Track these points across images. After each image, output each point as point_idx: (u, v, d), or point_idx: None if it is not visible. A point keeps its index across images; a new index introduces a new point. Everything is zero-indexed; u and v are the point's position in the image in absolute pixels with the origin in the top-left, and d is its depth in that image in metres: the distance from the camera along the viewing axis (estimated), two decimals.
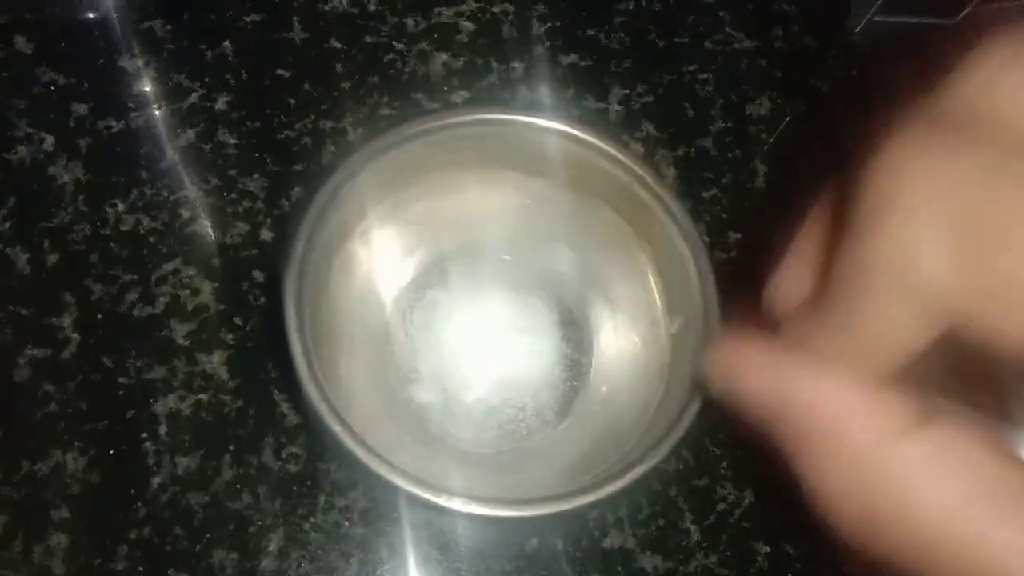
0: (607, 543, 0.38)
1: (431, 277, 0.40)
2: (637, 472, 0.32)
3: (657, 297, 0.38)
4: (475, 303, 0.40)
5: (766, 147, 0.46)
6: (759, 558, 0.39)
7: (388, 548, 0.37)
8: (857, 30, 0.47)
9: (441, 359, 0.39)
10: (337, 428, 0.32)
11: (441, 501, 0.31)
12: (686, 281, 0.35)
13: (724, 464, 0.40)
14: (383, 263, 0.39)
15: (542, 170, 0.38)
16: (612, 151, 0.36)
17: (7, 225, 0.40)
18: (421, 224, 0.38)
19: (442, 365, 0.39)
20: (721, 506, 0.39)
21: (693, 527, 0.39)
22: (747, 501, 0.39)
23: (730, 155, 0.45)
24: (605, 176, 0.36)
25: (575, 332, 0.39)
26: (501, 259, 0.40)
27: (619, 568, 0.38)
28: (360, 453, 0.31)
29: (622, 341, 0.39)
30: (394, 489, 0.32)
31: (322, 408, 0.32)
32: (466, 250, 0.40)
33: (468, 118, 0.36)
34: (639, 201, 0.36)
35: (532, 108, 0.44)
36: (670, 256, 0.36)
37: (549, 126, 0.36)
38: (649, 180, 0.35)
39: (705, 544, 0.38)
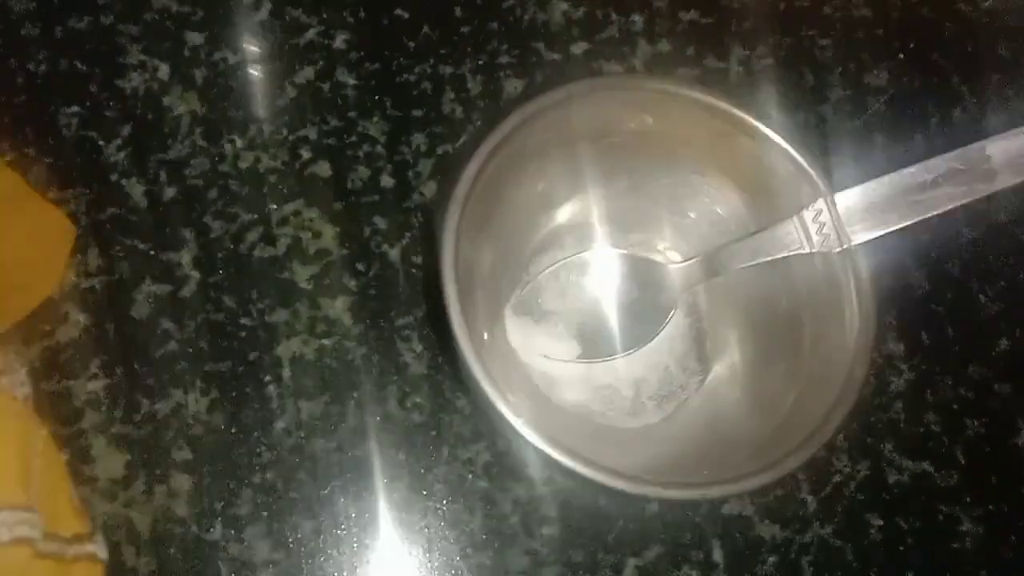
0: (726, 510, 0.38)
1: (582, 233, 0.39)
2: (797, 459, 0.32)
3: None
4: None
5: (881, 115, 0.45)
6: (872, 531, 0.39)
7: (512, 503, 0.36)
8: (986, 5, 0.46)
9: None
10: (484, 380, 0.31)
11: (580, 468, 0.31)
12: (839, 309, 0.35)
13: (841, 436, 0.40)
14: (539, 208, 0.38)
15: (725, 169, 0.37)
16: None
17: (121, 155, 0.39)
18: (589, 177, 0.37)
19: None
20: (837, 478, 0.39)
21: (810, 498, 0.39)
22: (862, 474, 0.39)
23: (849, 124, 0.45)
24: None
25: (709, 325, 0.39)
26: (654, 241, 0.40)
27: (737, 535, 0.38)
28: (501, 406, 0.31)
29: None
30: (526, 445, 0.31)
31: (471, 358, 0.31)
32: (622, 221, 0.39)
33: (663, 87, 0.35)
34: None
35: (655, 64, 0.43)
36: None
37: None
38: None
39: (821, 515, 0.38)
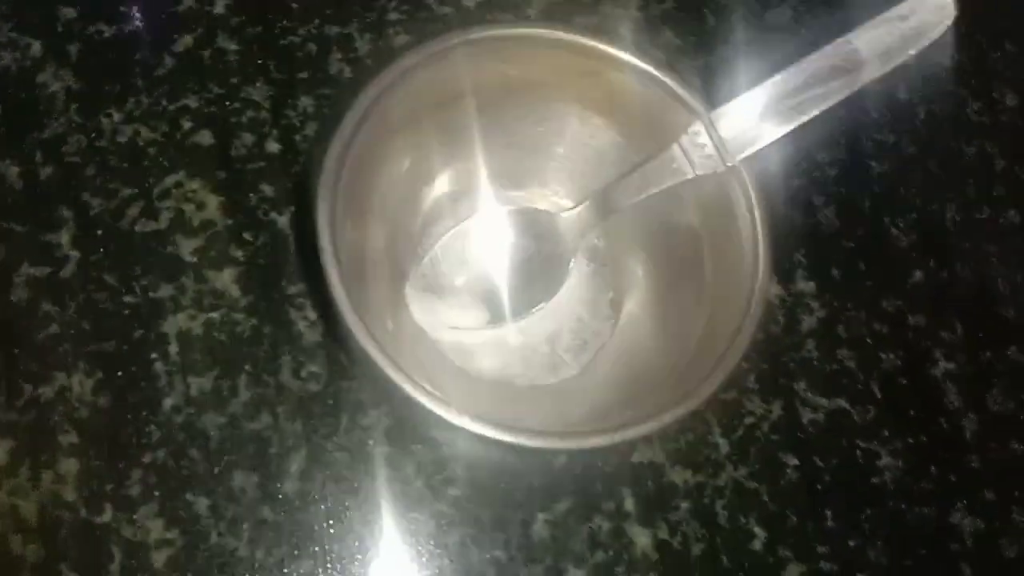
0: (636, 458, 0.37)
1: (467, 198, 0.38)
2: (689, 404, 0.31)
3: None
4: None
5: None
6: (788, 471, 0.38)
7: (416, 466, 0.35)
8: None
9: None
10: (370, 345, 0.30)
11: (474, 426, 0.30)
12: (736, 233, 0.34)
13: (752, 378, 0.39)
14: (419, 179, 0.37)
15: (599, 105, 0.36)
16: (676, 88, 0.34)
17: None
18: (463, 141, 0.36)
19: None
20: (749, 419, 0.38)
21: (722, 441, 0.38)
22: (775, 414, 0.39)
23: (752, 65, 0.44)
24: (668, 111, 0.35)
25: (611, 266, 0.39)
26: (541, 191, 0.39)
27: (649, 483, 0.37)
28: (391, 371, 0.30)
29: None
30: (423, 409, 0.31)
31: (354, 324, 0.30)
32: (504, 178, 0.39)
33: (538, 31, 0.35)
34: None
35: (551, 15, 0.43)
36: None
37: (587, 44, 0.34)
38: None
39: (734, 457, 0.38)
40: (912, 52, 0.33)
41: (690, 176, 0.34)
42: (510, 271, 0.38)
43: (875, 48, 0.33)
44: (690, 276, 0.35)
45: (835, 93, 0.33)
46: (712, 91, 0.40)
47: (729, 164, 0.33)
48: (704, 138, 0.33)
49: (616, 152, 0.36)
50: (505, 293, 0.38)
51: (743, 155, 0.33)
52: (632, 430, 0.31)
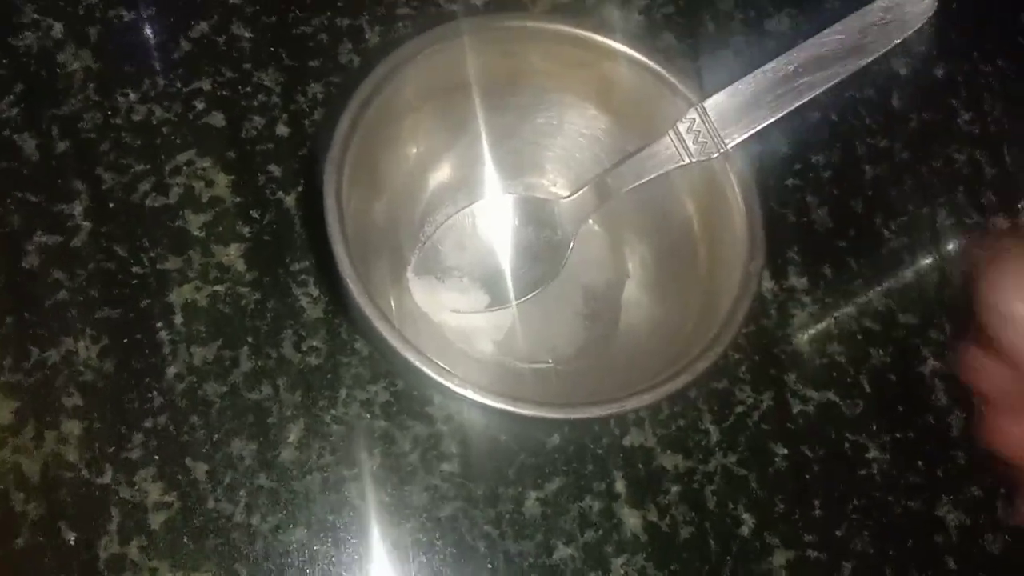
0: (628, 441, 0.38)
1: (467, 185, 0.39)
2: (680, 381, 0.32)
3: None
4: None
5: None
6: (777, 459, 0.39)
7: (412, 441, 0.36)
8: None
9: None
10: (372, 313, 0.31)
11: (470, 394, 0.31)
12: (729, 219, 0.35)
13: (743, 368, 0.40)
14: (421, 165, 0.38)
15: (596, 94, 0.37)
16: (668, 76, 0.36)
17: (14, 111, 0.38)
18: (464, 129, 0.37)
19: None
20: (740, 408, 0.39)
21: (712, 428, 0.39)
22: (765, 404, 0.39)
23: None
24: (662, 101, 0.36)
25: (610, 251, 0.39)
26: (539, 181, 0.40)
27: (640, 466, 0.38)
28: (392, 339, 0.31)
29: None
30: (420, 381, 0.31)
31: (358, 293, 0.31)
32: (504, 166, 0.40)
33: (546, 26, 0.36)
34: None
35: (554, 12, 0.44)
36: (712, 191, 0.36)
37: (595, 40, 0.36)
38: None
39: (724, 444, 0.38)
40: (897, 41, 0.34)
41: (685, 162, 0.35)
42: (512, 255, 0.38)
43: (859, 38, 0.34)
44: (685, 260, 0.36)
45: (822, 81, 0.34)
46: (707, 88, 0.42)
47: (722, 150, 0.34)
48: (698, 125, 0.34)
49: (610, 140, 0.37)
50: (506, 277, 0.38)
51: (736, 141, 0.34)
52: (632, 400, 0.32)
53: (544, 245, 0.38)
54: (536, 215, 0.38)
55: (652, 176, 0.35)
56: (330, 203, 0.32)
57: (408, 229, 0.39)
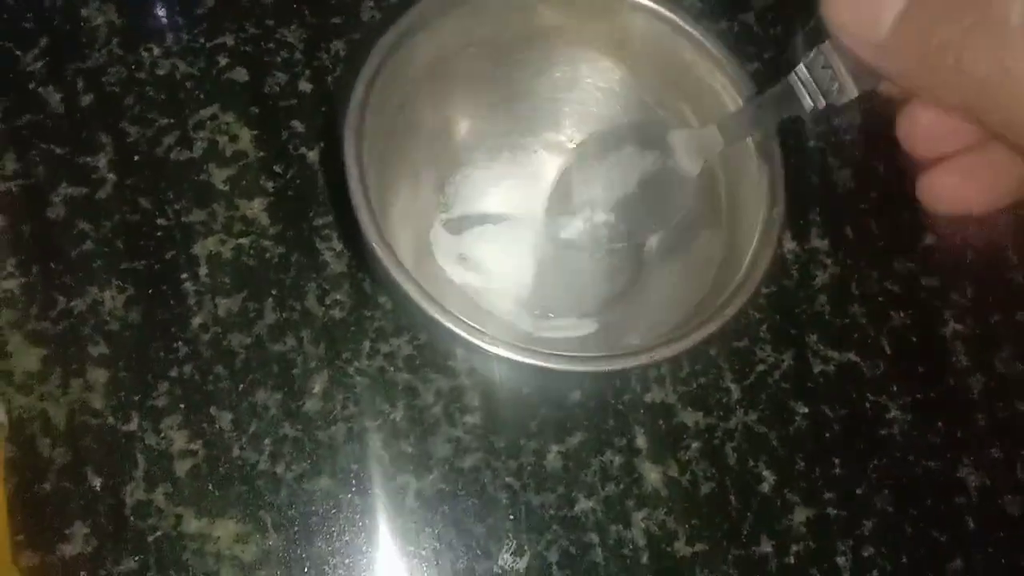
0: (649, 398, 0.38)
1: (486, 141, 0.39)
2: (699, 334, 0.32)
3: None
4: (528, 179, 0.40)
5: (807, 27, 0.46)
6: (798, 418, 0.39)
7: (435, 394, 0.36)
8: None
9: (490, 225, 0.39)
10: (393, 269, 0.31)
11: (492, 347, 0.31)
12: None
13: (764, 328, 0.40)
14: (441, 120, 0.38)
15: (619, 50, 0.37)
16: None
17: (39, 65, 0.39)
18: (482, 87, 0.37)
19: (489, 231, 0.39)
20: (760, 367, 0.39)
21: (733, 386, 0.39)
22: (786, 364, 0.39)
23: (772, 31, 0.45)
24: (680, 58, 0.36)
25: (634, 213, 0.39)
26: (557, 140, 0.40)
27: (660, 422, 0.38)
28: (414, 293, 0.31)
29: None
30: (441, 335, 0.31)
31: (379, 249, 0.31)
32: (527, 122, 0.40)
33: None
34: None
35: None
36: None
37: None
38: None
39: (745, 402, 0.38)
40: None
41: (810, 107, 0.30)
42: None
43: None
44: (707, 211, 0.36)
45: None
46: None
47: (858, 92, 0.28)
48: (825, 66, 0.29)
49: (627, 92, 0.37)
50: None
51: (869, 87, 0.28)
52: (654, 352, 0.32)
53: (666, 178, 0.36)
54: (656, 143, 0.35)
55: (777, 121, 0.32)
56: (351, 169, 0.32)
57: (428, 189, 0.39)
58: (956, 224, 0.43)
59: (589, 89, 0.38)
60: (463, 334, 0.31)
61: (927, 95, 0.23)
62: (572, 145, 0.40)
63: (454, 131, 0.40)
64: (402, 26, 0.34)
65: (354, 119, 0.33)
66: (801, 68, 0.29)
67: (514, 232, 0.39)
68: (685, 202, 0.35)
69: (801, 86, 0.30)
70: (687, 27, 0.35)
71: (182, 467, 0.34)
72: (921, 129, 0.24)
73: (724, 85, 0.35)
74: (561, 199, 0.37)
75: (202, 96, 0.39)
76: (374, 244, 0.31)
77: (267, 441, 0.35)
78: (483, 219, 0.39)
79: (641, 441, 0.37)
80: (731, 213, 0.35)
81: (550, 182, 0.38)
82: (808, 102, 0.30)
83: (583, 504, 0.36)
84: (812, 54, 0.29)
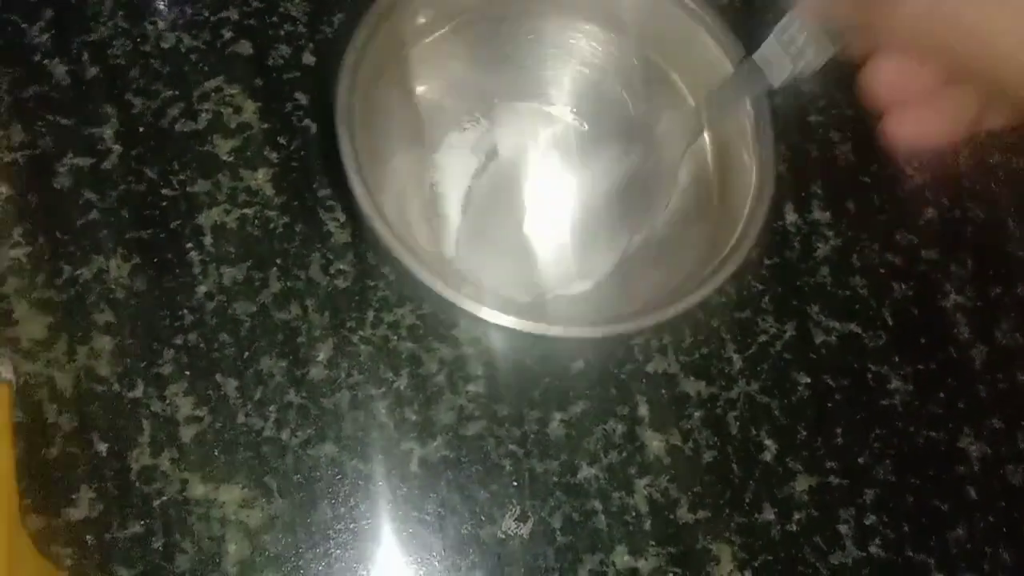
0: (651, 367, 0.38)
1: (480, 110, 0.40)
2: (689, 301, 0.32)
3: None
4: (521, 148, 0.40)
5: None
6: (800, 388, 0.39)
7: (438, 363, 0.36)
8: None
9: (485, 191, 0.39)
10: (393, 241, 0.31)
11: (495, 316, 0.31)
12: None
13: (766, 299, 0.40)
14: (437, 89, 0.39)
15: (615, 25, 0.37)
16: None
17: (44, 37, 0.39)
18: (475, 54, 0.38)
19: (485, 197, 0.39)
20: (763, 338, 0.39)
21: (735, 356, 0.39)
22: (788, 335, 0.40)
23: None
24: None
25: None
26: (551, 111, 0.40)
27: (663, 392, 0.38)
28: (414, 265, 0.31)
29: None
30: (444, 304, 0.32)
31: (378, 223, 0.31)
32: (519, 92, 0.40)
33: None
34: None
35: None
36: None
37: None
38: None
39: (747, 372, 0.39)
40: None
41: (790, 70, 0.30)
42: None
43: None
44: (698, 185, 0.36)
45: None
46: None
47: (835, 51, 0.29)
48: (793, 32, 0.30)
49: (622, 60, 0.37)
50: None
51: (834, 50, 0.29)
52: (655, 314, 0.32)
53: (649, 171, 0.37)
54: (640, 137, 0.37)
55: (760, 90, 0.32)
56: (345, 148, 0.32)
57: (422, 158, 0.39)
58: (955, 197, 0.43)
59: (582, 56, 0.38)
60: (466, 308, 0.31)
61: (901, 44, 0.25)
62: (572, 113, 0.40)
63: (446, 99, 0.40)
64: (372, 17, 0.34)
65: (345, 90, 0.33)
66: (771, 39, 0.31)
67: (507, 200, 0.39)
68: (672, 191, 0.36)
69: (772, 58, 0.31)
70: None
71: (187, 433, 0.34)
72: (885, 77, 0.26)
73: (718, 56, 0.35)
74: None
75: (206, 68, 0.39)
76: (379, 230, 0.31)
77: (272, 408, 0.35)
78: (476, 187, 0.39)
79: (643, 410, 0.37)
80: (720, 182, 0.36)
81: (543, 151, 0.39)
82: (782, 71, 0.31)
83: (586, 471, 0.36)
84: (782, 24, 0.30)
